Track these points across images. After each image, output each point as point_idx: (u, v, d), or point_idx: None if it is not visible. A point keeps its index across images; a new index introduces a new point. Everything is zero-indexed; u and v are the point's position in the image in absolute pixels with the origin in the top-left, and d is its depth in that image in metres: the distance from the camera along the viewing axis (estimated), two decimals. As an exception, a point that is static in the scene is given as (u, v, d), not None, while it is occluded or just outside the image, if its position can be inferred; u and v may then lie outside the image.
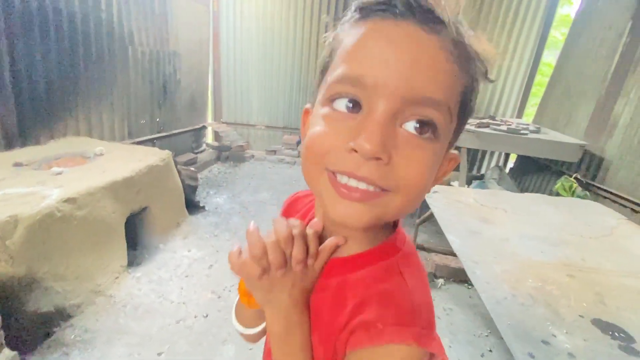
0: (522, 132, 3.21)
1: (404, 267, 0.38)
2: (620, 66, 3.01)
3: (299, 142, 5.28)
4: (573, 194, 2.81)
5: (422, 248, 2.91)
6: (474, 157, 5.05)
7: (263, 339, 0.55)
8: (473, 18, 4.55)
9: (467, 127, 3.47)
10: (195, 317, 2.05)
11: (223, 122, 5.49)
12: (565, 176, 2.99)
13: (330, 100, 0.33)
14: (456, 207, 2.15)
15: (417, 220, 2.51)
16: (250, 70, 5.29)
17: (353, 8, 0.34)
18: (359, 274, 0.39)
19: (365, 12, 0.32)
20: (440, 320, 2.21)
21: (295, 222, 0.40)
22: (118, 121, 3.44)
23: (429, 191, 0.35)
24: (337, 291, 0.39)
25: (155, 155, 2.71)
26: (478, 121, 3.61)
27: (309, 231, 0.40)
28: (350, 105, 0.32)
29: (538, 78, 4.96)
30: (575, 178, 2.93)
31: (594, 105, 3.22)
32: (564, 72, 3.87)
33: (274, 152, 5.38)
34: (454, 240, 1.69)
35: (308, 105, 0.42)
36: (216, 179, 4.44)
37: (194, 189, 3.50)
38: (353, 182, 0.32)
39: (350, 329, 0.36)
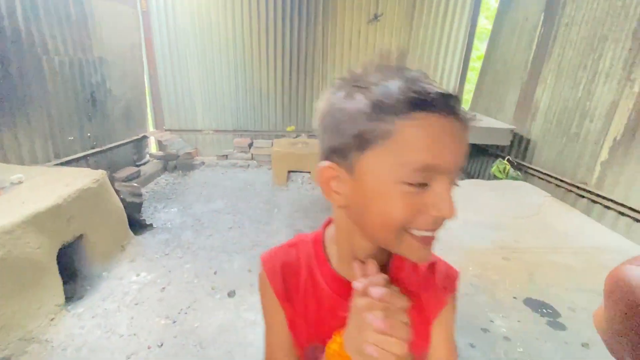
0: (459, 121, 3.42)
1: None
2: (537, 55, 3.31)
3: (251, 145, 5.15)
4: (507, 175, 3.06)
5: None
6: (421, 145, 5.31)
7: None
8: (408, 11, 4.72)
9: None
10: (148, 348, 1.92)
11: (166, 130, 5.16)
12: (500, 159, 3.26)
13: (408, 182, 0.40)
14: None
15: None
16: (191, 72, 5.01)
17: (405, 99, 0.39)
18: (404, 273, 0.53)
19: (420, 106, 0.39)
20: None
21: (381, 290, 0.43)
22: (39, 141, 3.07)
23: None
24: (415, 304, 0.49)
25: (86, 177, 2.46)
26: (420, 113, 3.78)
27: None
28: (424, 184, 0.40)
29: (471, 67, 5.31)
30: (508, 160, 3.19)
31: (519, 92, 3.53)
32: (492, 61, 4.18)
33: (226, 156, 5.19)
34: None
35: (327, 163, 0.46)
36: (164, 192, 4.18)
37: (137, 206, 3.26)
38: (429, 234, 0.42)
39: (435, 300, 0.54)
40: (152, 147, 5.22)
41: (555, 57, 3.07)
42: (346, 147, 0.43)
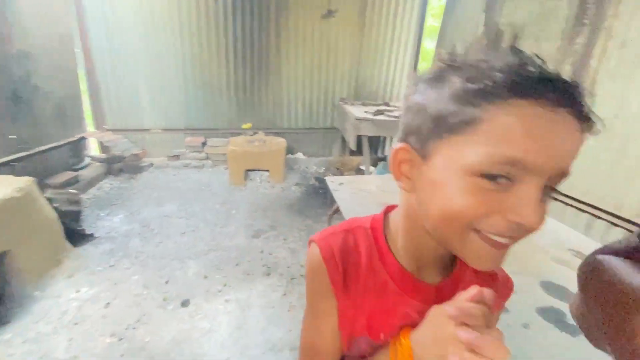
0: (411, 116, 3.54)
1: None
2: (479, 53, 3.52)
3: (204, 144, 4.91)
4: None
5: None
6: (377, 141, 5.43)
7: None
8: (361, 8, 4.78)
9: (365, 115, 3.67)
10: (90, 371, 1.75)
11: (108, 130, 4.74)
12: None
13: (483, 174, 0.35)
14: (360, 197, 2.24)
15: (329, 213, 2.57)
16: (135, 66, 4.64)
17: (503, 83, 0.34)
18: (463, 284, 0.50)
19: (520, 91, 0.33)
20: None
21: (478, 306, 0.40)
22: (-53, 145, 2.65)
23: None
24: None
25: (8, 186, 2.16)
26: (375, 109, 3.85)
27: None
28: (506, 181, 0.35)
29: (423, 64, 5.53)
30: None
31: (464, 88, 3.72)
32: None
33: (177, 157, 4.90)
34: (359, 232, 1.76)
35: (402, 145, 0.43)
36: (107, 197, 3.84)
37: (75, 214, 2.96)
38: (502, 240, 0.37)
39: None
40: (94, 149, 4.78)
41: (495, 55, 3.28)
42: (425, 130, 0.39)
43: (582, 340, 1.14)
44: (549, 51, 2.60)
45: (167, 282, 2.48)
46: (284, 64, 4.89)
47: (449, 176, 0.37)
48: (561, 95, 0.33)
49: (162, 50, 4.62)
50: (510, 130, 0.34)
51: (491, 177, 0.35)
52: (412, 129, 0.41)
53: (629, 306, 0.30)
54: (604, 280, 0.35)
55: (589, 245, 1.71)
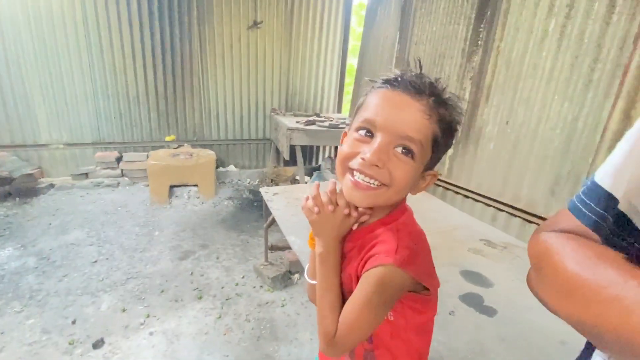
0: (340, 126, 3.68)
1: (400, 227, 0.61)
2: (397, 68, 3.84)
3: (119, 159, 4.38)
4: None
5: (277, 248, 2.94)
6: (310, 151, 5.51)
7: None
8: (286, 21, 4.86)
9: (297, 125, 3.68)
10: None
11: (-10, 147, 3.92)
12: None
13: (356, 129, 0.58)
14: (295, 206, 2.22)
15: (265, 225, 2.48)
16: (26, 74, 3.95)
17: (380, 81, 0.59)
18: (372, 234, 0.63)
19: (383, 83, 0.58)
20: (299, 315, 2.28)
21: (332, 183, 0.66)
22: None
23: (409, 190, 0.61)
24: (360, 246, 0.64)
25: None
26: (306, 119, 3.91)
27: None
28: (367, 134, 0.57)
29: (348, 79, 5.83)
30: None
31: (386, 99, 4.01)
32: (363, 74, 4.66)
33: (86, 175, 4.27)
34: (295, 241, 1.73)
35: (346, 129, 0.64)
36: (-10, 228, 3.15)
37: (-61, 253, 2.34)
38: (360, 177, 0.56)
39: (363, 263, 0.60)
40: (-32, 170, 3.89)
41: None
42: (353, 114, 0.63)
43: (498, 319, 1.27)
44: (452, 67, 2.95)
45: (73, 323, 2.10)
46: (210, 73, 4.67)
47: (349, 134, 0.61)
48: (399, 82, 0.56)
49: (64, 56, 4.03)
50: (370, 103, 0.58)
51: (360, 129, 0.57)
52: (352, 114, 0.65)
53: (590, 301, 0.31)
54: (556, 267, 0.37)
55: (496, 235, 1.95)
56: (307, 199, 0.64)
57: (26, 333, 2.01)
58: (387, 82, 0.57)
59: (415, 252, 0.58)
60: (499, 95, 2.44)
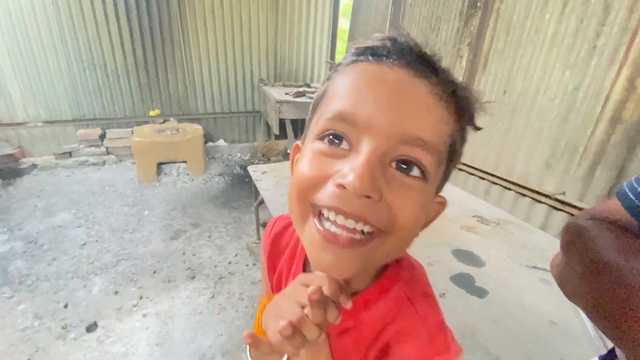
0: (332, 97, 3.52)
1: (409, 292, 0.40)
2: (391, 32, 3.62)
3: (103, 136, 4.21)
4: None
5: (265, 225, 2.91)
6: (302, 123, 5.35)
7: None
8: (273, -17, 4.50)
9: (286, 97, 3.53)
10: None
11: (-37, 126, 3.73)
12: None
13: (321, 136, 0.33)
14: (285, 185, 2.15)
15: (255, 203, 2.43)
16: (-8, 45, 3.66)
17: (349, 52, 0.35)
18: (371, 312, 0.40)
19: (358, 55, 0.34)
20: (294, 293, 2.30)
21: (314, 287, 0.31)
22: None
23: (417, 235, 0.35)
24: (356, 333, 0.41)
25: None
26: (296, 90, 3.74)
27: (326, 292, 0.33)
28: (339, 141, 0.32)
29: (340, 44, 5.54)
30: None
31: (379, 67, 3.83)
32: (356, 38, 4.41)
33: (69, 154, 4.13)
34: (284, 224, 1.68)
35: (299, 142, 0.41)
36: (-28, 212, 3.06)
37: None
38: (340, 222, 0.31)
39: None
40: (-57, 152, 3.72)
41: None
42: (309, 115, 0.39)
43: (488, 301, 1.26)
44: (449, 32, 2.78)
45: (65, 307, 2.10)
46: (192, 41, 4.38)
47: (304, 147, 0.36)
48: (397, 52, 0.33)
49: (31, 25, 3.71)
50: (341, 86, 0.34)
51: (325, 135, 0.33)
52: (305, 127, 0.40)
53: (619, 294, 0.31)
54: (589, 252, 0.36)
55: (489, 210, 1.92)
56: (285, 328, 0.32)
57: (18, 319, 2.00)
58: (367, 51, 0.34)
59: (443, 326, 0.39)
60: (497, 62, 2.31)
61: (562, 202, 1.89)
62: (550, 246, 1.59)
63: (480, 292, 1.30)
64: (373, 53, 0.33)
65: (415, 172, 0.32)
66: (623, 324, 0.30)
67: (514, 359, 0.99)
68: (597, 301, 0.34)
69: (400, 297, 0.40)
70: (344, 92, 0.33)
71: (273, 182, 2.18)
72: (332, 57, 5.22)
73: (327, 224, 0.32)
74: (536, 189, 2.04)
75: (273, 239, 0.54)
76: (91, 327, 1.94)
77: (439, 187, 0.37)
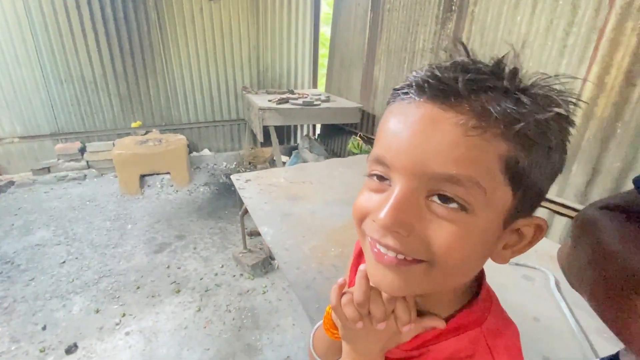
0: (315, 103, 3.53)
1: (492, 339, 0.38)
2: (370, 38, 3.67)
3: (83, 150, 4.11)
4: (361, 149, 3.35)
5: (256, 234, 2.87)
6: (288, 130, 5.35)
7: None
8: (253, -8, 4.52)
9: (269, 105, 3.52)
10: None
11: None
12: (353, 135, 3.53)
13: (369, 175, 0.37)
14: (269, 192, 2.13)
15: (240, 213, 2.39)
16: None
17: (396, 91, 0.36)
18: (442, 346, 0.40)
19: (393, 97, 0.36)
20: (281, 301, 2.26)
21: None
22: None
23: (478, 266, 0.37)
24: None
25: None
26: (279, 97, 3.73)
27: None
28: (379, 180, 0.36)
29: (322, 50, 5.57)
30: (360, 136, 3.49)
31: (361, 73, 3.86)
32: (337, 44, 4.45)
33: (48, 169, 4.00)
34: (267, 232, 1.66)
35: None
36: (-56, 234, 2.93)
37: None
38: (383, 249, 0.34)
39: None
40: None
41: (384, 40, 3.46)
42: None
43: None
44: (426, 35, 2.82)
45: (44, 329, 2.01)
46: (172, 51, 4.34)
47: (363, 183, 0.40)
48: (418, 86, 0.33)
49: (3, 34, 3.61)
50: (379, 128, 0.36)
51: (372, 176, 0.36)
52: None
53: (624, 284, 0.31)
54: (597, 242, 0.36)
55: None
56: (346, 303, 0.41)
57: (-7, 344, 1.91)
58: (404, 88, 0.34)
59: None
60: (473, 64, 2.36)
61: (543, 199, 1.92)
62: (532, 242, 1.60)
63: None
64: (410, 89, 0.34)
65: (454, 204, 0.31)
66: (624, 314, 0.31)
67: (499, 359, 0.99)
68: (599, 289, 0.34)
69: (480, 341, 0.38)
70: (380, 134, 0.36)
71: (257, 190, 2.16)
72: (315, 62, 5.24)
73: (378, 245, 0.35)
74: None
75: (357, 254, 0.58)
76: (71, 349, 1.86)
77: (515, 211, 0.33)
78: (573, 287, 0.40)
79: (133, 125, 4.40)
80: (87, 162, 4.08)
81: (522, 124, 0.29)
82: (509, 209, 0.33)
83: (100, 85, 4.14)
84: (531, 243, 0.35)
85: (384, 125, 0.35)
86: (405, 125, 0.32)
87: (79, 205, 3.47)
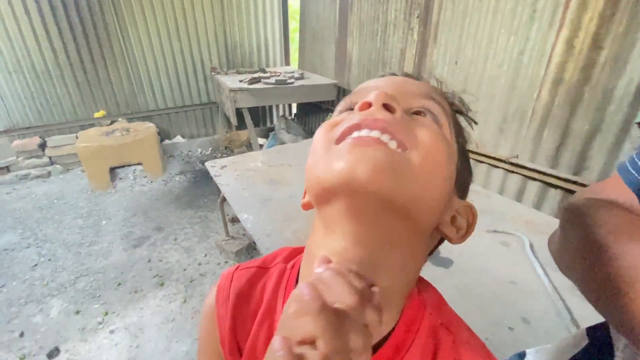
0: (288, 81, 3.41)
1: (441, 318, 0.36)
2: (342, 9, 3.53)
3: (43, 145, 3.84)
4: (339, 127, 3.30)
5: (238, 220, 2.82)
6: (263, 111, 5.19)
7: None
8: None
9: (241, 85, 3.37)
10: None
11: None
12: (330, 113, 3.47)
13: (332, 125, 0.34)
14: (246, 178, 2.07)
15: (219, 200, 2.33)
16: None
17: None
18: (410, 353, 0.33)
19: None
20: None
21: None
22: None
23: (440, 210, 0.33)
24: None
25: None
26: (250, 77, 3.57)
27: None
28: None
29: (293, 24, 5.34)
30: (337, 113, 3.42)
31: (334, 47, 3.74)
32: (307, 18, 4.26)
33: (7, 168, 3.73)
34: (247, 219, 1.62)
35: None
36: None
37: None
38: (364, 133, 0.30)
39: None
40: None
41: (355, 11, 3.34)
42: None
43: (453, 270, 1.30)
44: (398, 3, 2.74)
45: (22, 335, 1.93)
46: (131, 31, 4.03)
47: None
48: (392, 73, 0.41)
49: None
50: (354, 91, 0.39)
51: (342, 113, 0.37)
52: None
53: (614, 279, 0.31)
54: (581, 230, 0.37)
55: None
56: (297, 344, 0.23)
57: (-33, 357, 1.82)
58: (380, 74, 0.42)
59: (484, 344, 0.37)
60: (446, 33, 2.32)
61: (516, 165, 1.97)
62: (508, 209, 1.65)
63: (446, 262, 1.33)
64: (381, 75, 0.41)
65: (428, 117, 0.34)
66: (610, 302, 0.31)
67: (482, 326, 1.02)
68: (590, 282, 0.35)
69: (435, 327, 0.35)
70: (356, 90, 0.38)
71: (234, 177, 2.09)
72: (286, 37, 5.03)
73: (356, 132, 0.31)
74: (492, 155, 2.11)
75: (236, 301, 0.41)
76: (53, 353, 1.80)
77: (458, 178, 0.35)
78: (563, 272, 0.41)
79: (96, 115, 4.12)
80: (50, 157, 3.83)
81: (458, 124, 0.39)
82: (457, 168, 0.35)
83: (55, 74, 3.82)
84: (472, 225, 0.36)
85: (360, 86, 0.39)
86: (385, 80, 0.38)
87: (46, 204, 3.28)
